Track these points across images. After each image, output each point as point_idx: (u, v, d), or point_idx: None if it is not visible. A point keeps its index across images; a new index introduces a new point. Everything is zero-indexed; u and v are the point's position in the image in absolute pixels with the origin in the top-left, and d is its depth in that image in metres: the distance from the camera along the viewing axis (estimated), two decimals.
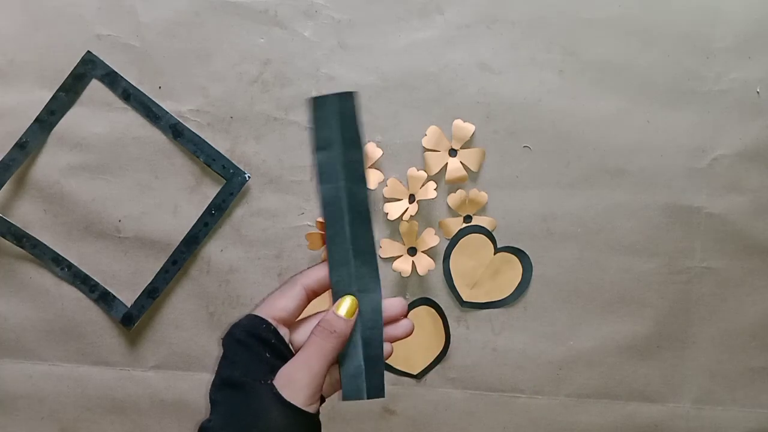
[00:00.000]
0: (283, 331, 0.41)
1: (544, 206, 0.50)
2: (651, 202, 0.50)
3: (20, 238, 0.51)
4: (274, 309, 0.40)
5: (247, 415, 0.37)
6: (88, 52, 0.49)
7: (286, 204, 0.51)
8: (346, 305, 0.40)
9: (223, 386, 0.38)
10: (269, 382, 0.38)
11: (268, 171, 0.50)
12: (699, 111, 0.49)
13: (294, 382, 0.38)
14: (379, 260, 0.40)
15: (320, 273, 0.41)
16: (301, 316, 0.42)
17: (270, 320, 0.40)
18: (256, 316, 0.40)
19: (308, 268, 0.41)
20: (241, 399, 0.38)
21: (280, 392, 0.37)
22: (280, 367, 0.39)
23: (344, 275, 0.41)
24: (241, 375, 0.38)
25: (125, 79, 0.50)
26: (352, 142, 0.38)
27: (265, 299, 0.41)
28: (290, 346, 0.41)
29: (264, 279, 0.51)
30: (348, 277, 0.40)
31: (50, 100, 0.50)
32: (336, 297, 0.41)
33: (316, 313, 0.43)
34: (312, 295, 0.41)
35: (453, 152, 0.50)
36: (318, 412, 0.40)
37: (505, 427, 0.52)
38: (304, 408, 0.38)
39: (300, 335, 0.42)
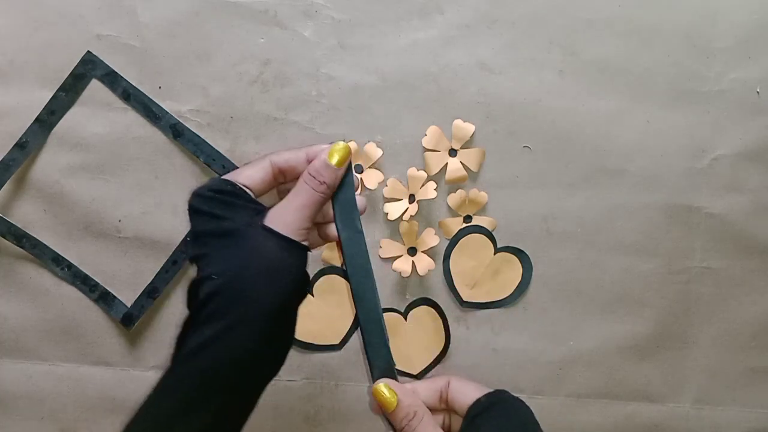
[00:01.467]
0: (251, 195, 0.40)
1: (544, 206, 0.50)
2: (651, 202, 0.50)
3: (20, 238, 0.51)
4: (239, 176, 0.40)
5: (244, 255, 0.37)
6: (88, 52, 0.49)
7: None
8: (338, 153, 0.39)
9: (211, 239, 0.38)
10: (259, 223, 0.38)
11: None
12: (699, 111, 0.49)
13: (286, 219, 0.38)
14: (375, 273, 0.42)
15: (291, 154, 0.41)
16: None
17: (235, 182, 0.39)
18: (221, 178, 0.40)
19: (283, 149, 0.41)
20: (234, 243, 0.37)
21: (274, 228, 0.37)
22: (259, 211, 0.38)
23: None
24: (228, 224, 0.37)
25: (125, 79, 0.50)
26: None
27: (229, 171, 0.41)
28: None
29: None
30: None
31: (50, 100, 0.50)
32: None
33: None
34: (279, 175, 0.41)
35: (453, 152, 0.50)
36: (308, 247, 0.40)
37: None
38: (298, 240, 0.38)
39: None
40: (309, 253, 0.39)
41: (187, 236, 0.42)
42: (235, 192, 0.39)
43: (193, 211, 0.39)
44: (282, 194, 0.43)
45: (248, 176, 0.40)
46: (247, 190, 0.39)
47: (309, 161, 0.40)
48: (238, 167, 0.49)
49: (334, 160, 0.39)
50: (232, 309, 0.36)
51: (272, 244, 0.37)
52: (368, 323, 0.41)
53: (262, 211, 0.39)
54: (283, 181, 0.42)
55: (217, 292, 0.36)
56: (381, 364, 0.41)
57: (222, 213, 0.38)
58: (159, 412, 0.38)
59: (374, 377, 0.41)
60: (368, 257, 0.41)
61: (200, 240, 0.38)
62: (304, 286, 0.40)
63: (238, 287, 0.36)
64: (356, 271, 0.41)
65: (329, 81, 0.50)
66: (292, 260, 0.38)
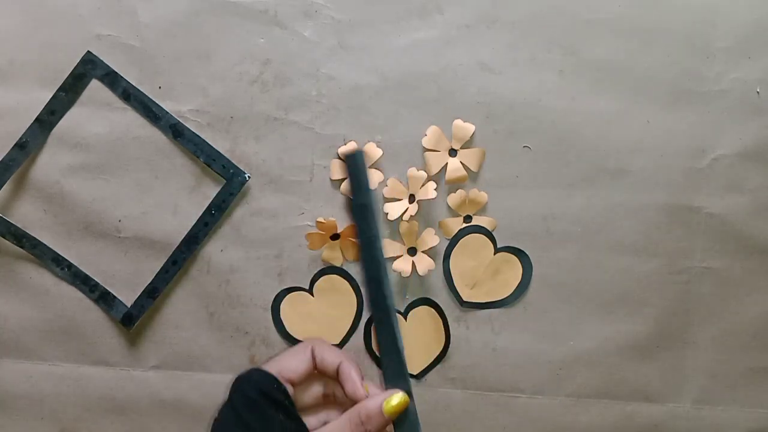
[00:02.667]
0: (291, 391, 0.40)
1: (544, 206, 0.50)
2: (651, 202, 0.50)
3: (20, 238, 0.51)
4: (285, 369, 0.40)
5: None
6: (88, 52, 0.49)
7: (286, 204, 0.51)
8: (395, 401, 0.38)
9: None
10: None
11: (268, 171, 0.50)
12: (699, 111, 0.49)
13: None
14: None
15: (328, 354, 0.41)
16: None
17: (280, 379, 0.39)
18: (267, 374, 0.39)
19: (325, 342, 0.41)
20: None
21: None
22: (291, 431, 0.37)
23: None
24: None
25: (125, 79, 0.50)
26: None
27: (276, 357, 0.41)
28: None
29: (264, 279, 0.51)
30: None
31: (50, 100, 0.50)
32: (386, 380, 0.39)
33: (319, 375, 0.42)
34: (316, 364, 0.41)
35: (453, 152, 0.50)
36: None
37: (505, 427, 0.52)
38: None
39: (306, 395, 0.42)
40: None
41: (216, 417, 0.41)
42: (278, 401, 0.38)
43: (232, 404, 0.38)
44: (327, 401, 0.43)
45: (294, 371, 0.40)
46: (290, 388, 0.39)
47: (336, 377, 0.40)
48: (238, 167, 0.50)
49: (389, 413, 0.38)
50: None
51: None
52: (382, 334, 0.40)
53: (292, 427, 0.38)
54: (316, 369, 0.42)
55: None
56: (392, 370, 0.40)
57: (255, 426, 0.37)
58: None
59: (386, 382, 0.40)
60: (383, 262, 0.41)
61: None
62: None
63: None
64: (371, 275, 0.41)
65: (329, 81, 0.50)
66: None
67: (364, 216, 0.41)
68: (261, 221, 0.51)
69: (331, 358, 0.41)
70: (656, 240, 0.50)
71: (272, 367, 0.40)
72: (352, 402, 0.40)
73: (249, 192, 0.51)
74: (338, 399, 0.44)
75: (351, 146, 0.50)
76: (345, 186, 0.50)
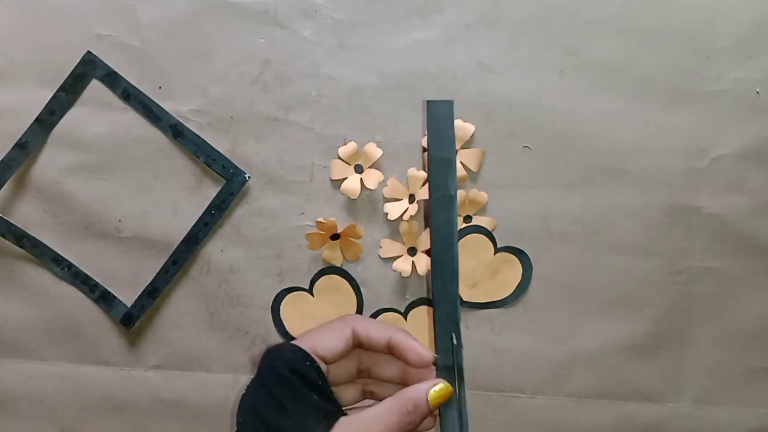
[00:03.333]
0: (324, 369, 0.38)
1: (544, 206, 0.50)
2: (651, 202, 0.50)
3: (20, 238, 0.51)
4: (320, 346, 0.37)
5: None
6: (88, 52, 0.49)
7: (286, 204, 0.51)
8: (439, 388, 0.37)
9: (263, 426, 0.35)
10: None
11: (268, 171, 0.50)
12: (699, 111, 0.49)
13: None
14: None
15: (374, 329, 0.38)
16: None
17: (313, 356, 0.37)
18: (300, 349, 0.37)
19: (365, 318, 0.38)
20: None
21: None
22: (329, 413, 0.35)
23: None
24: (289, 425, 0.34)
25: (125, 79, 0.50)
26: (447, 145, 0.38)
27: (311, 331, 0.39)
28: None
29: (264, 279, 0.51)
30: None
31: (50, 100, 0.50)
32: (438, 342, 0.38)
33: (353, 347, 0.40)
34: (357, 344, 0.39)
35: None
36: None
37: (505, 427, 0.52)
38: None
39: (340, 372, 0.39)
40: None
41: (244, 392, 0.39)
42: (311, 379, 0.36)
43: (262, 380, 0.36)
44: (362, 374, 0.41)
45: (329, 348, 0.38)
46: (323, 365, 0.37)
47: (389, 351, 0.38)
48: (238, 167, 0.50)
49: (433, 402, 0.36)
50: None
51: None
52: (442, 302, 0.38)
53: (332, 413, 0.35)
54: (359, 346, 0.40)
55: None
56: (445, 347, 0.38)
57: (288, 405, 0.35)
58: None
59: (438, 362, 0.39)
60: (455, 225, 0.38)
61: (251, 420, 0.36)
62: None
63: None
64: (439, 239, 0.38)
65: (329, 81, 0.50)
66: None
67: (443, 172, 0.38)
68: (261, 221, 0.51)
69: (378, 333, 0.38)
70: (656, 240, 0.50)
71: (306, 343, 0.37)
72: (410, 377, 0.38)
73: (249, 192, 0.51)
74: (373, 374, 0.42)
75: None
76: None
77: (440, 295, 0.38)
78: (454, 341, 0.38)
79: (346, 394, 0.42)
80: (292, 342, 0.39)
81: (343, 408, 0.39)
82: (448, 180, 0.38)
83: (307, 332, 0.39)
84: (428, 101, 0.38)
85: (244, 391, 0.39)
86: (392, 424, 0.35)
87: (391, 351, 0.39)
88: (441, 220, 0.38)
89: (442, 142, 0.38)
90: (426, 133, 0.37)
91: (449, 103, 0.38)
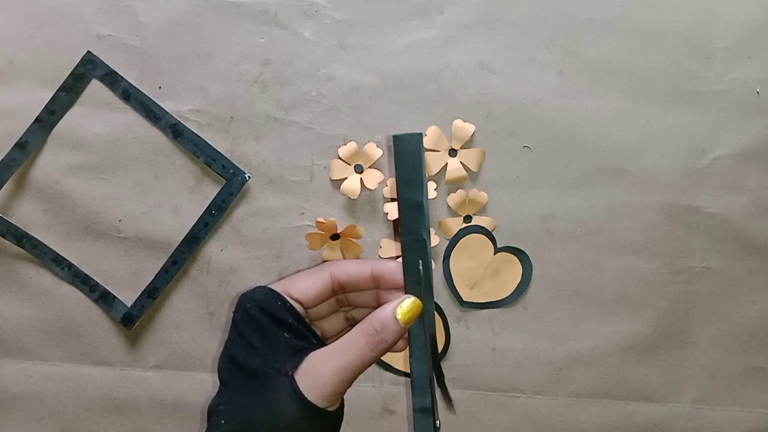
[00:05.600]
0: (301, 312, 0.37)
1: (544, 206, 0.50)
2: (651, 202, 0.50)
3: (20, 238, 0.51)
4: (293, 288, 0.37)
5: (261, 408, 0.33)
6: (88, 52, 0.49)
7: (286, 204, 0.51)
8: (407, 305, 0.35)
9: (237, 369, 0.35)
10: (289, 372, 0.34)
11: (268, 171, 0.50)
12: (699, 111, 0.49)
13: (319, 380, 0.34)
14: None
15: (354, 268, 0.37)
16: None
17: (286, 297, 0.36)
18: (271, 290, 0.36)
19: (344, 260, 0.37)
20: (256, 389, 0.34)
21: (301, 388, 0.33)
22: (300, 349, 0.35)
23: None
24: (259, 363, 0.34)
25: (125, 79, 0.50)
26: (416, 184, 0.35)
27: (285, 276, 0.38)
28: (312, 327, 0.37)
29: (264, 279, 0.51)
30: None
31: (50, 100, 0.50)
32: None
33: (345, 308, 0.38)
34: (338, 288, 0.38)
35: (453, 152, 0.50)
36: (342, 405, 0.36)
37: (505, 427, 0.52)
38: (325, 408, 0.34)
39: (321, 307, 0.38)
40: (342, 413, 0.35)
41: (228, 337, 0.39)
42: (281, 318, 0.35)
43: (234, 324, 0.36)
44: (341, 303, 0.40)
45: (303, 290, 0.37)
46: (297, 306, 0.36)
47: (374, 278, 0.37)
48: (238, 167, 0.50)
49: (403, 317, 0.35)
50: None
51: (294, 408, 0.33)
52: (416, 348, 0.36)
53: (304, 349, 0.35)
54: (341, 292, 0.39)
55: None
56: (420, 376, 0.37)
57: (258, 344, 0.34)
58: None
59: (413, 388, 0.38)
60: (429, 269, 0.36)
61: (227, 365, 0.35)
62: None
63: None
64: (412, 283, 0.36)
65: (329, 81, 0.50)
66: (312, 429, 0.34)
67: (414, 215, 0.35)
68: (261, 221, 0.51)
69: (357, 268, 0.37)
70: (656, 240, 0.50)
71: (279, 286, 0.37)
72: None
73: (249, 192, 0.51)
74: (351, 303, 0.41)
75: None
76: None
77: (415, 342, 0.36)
78: (421, 268, 0.36)
79: (330, 325, 0.41)
80: (265, 285, 0.38)
81: (332, 338, 0.38)
82: (420, 224, 0.35)
83: (281, 278, 0.39)
84: (394, 136, 0.34)
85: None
86: (361, 347, 0.34)
87: (377, 282, 0.38)
88: (413, 265, 0.35)
89: (412, 181, 0.34)
90: (394, 172, 0.34)
91: (418, 137, 0.34)
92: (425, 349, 0.36)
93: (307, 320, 0.37)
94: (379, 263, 0.38)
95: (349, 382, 0.35)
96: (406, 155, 0.34)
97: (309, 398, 0.33)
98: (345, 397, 0.53)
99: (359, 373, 0.35)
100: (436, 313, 0.52)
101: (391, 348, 0.36)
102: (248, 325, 0.35)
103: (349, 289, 0.38)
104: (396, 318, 0.35)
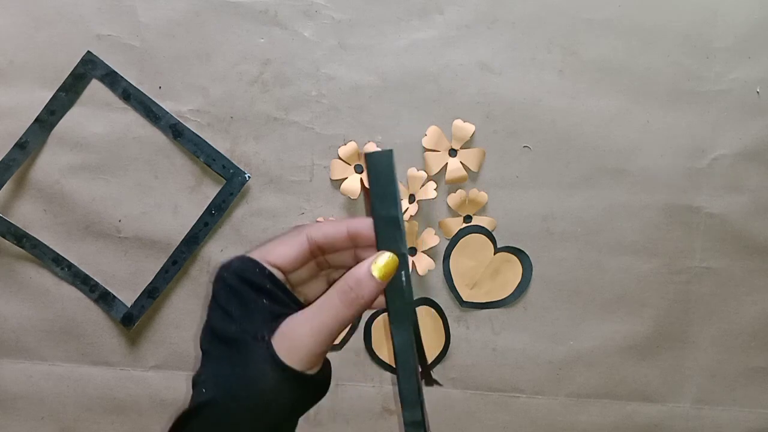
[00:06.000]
0: (281, 278, 0.36)
1: (544, 206, 0.50)
2: (651, 202, 0.50)
3: (20, 238, 0.51)
4: (271, 253, 0.36)
5: (239, 376, 0.33)
6: (88, 52, 0.49)
7: (286, 204, 0.51)
8: (382, 261, 0.34)
9: (216, 338, 0.35)
10: (266, 338, 0.34)
11: (268, 171, 0.50)
12: (699, 111, 0.49)
13: (296, 342, 0.33)
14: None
15: (330, 228, 0.36)
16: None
17: (264, 264, 0.36)
18: (250, 259, 0.36)
19: (320, 222, 0.37)
20: (233, 356, 0.34)
21: (278, 352, 0.33)
22: (279, 315, 0.34)
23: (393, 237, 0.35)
24: (235, 330, 0.34)
25: (125, 79, 0.50)
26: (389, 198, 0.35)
27: (264, 242, 0.37)
28: (293, 293, 0.37)
29: None
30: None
31: (50, 100, 0.50)
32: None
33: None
34: (316, 250, 0.37)
35: (453, 152, 0.50)
36: (326, 366, 0.36)
37: (505, 427, 0.52)
38: (304, 371, 0.34)
39: (301, 272, 0.37)
40: (321, 377, 0.35)
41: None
42: (259, 284, 0.35)
43: (213, 294, 0.35)
44: (321, 266, 0.39)
45: (280, 254, 0.36)
46: (277, 273, 0.36)
47: (351, 236, 0.36)
48: (238, 167, 0.50)
49: (378, 273, 0.34)
50: None
51: (270, 373, 0.33)
52: (402, 355, 0.36)
53: (282, 315, 0.35)
54: (320, 254, 0.38)
55: (203, 405, 0.34)
56: (409, 394, 0.36)
57: (235, 312, 0.34)
58: None
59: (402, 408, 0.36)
60: (409, 282, 0.36)
61: (208, 335, 0.35)
62: (302, 411, 0.36)
63: (223, 410, 0.33)
64: (393, 298, 0.36)
65: (329, 81, 0.50)
66: (291, 394, 0.34)
67: (390, 231, 0.35)
68: (261, 221, 0.51)
69: (333, 229, 0.36)
70: (656, 240, 0.50)
71: (257, 254, 0.36)
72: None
73: (249, 192, 0.51)
74: (331, 264, 0.40)
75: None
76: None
77: (400, 352, 0.36)
78: (404, 280, 0.35)
79: (312, 289, 0.40)
80: (242, 254, 0.37)
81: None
82: (397, 239, 0.35)
83: (258, 245, 0.39)
84: (366, 154, 0.35)
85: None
86: (336, 307, 0.34)
87: (354, 241, 0.37)
88: (396, 277, 0.35)
89: (385, 197, 0.34)
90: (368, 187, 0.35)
91: (389, 154, 0.34)
92: (413, 364, 0.36)
93: (287, 286, 0.37)
94: (354, 221, 0.37)
95: (326, 343, 0.34)
96: (379, 172, 0.35)
97: (286, 362, 0.33)
98: (345, 397, 0.53)
99: (337, 332, 0.34)
100: (435, 312, 0.52)
101: (368, 305, 0.35)
102: (226, 294, 0.35)
103: (328, 250, 0.38)
104: (371, 274, 0.34)
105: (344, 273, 0.36)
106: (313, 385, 0.35)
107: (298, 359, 0.33)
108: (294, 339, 0.34)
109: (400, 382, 0.36)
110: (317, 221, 0.38)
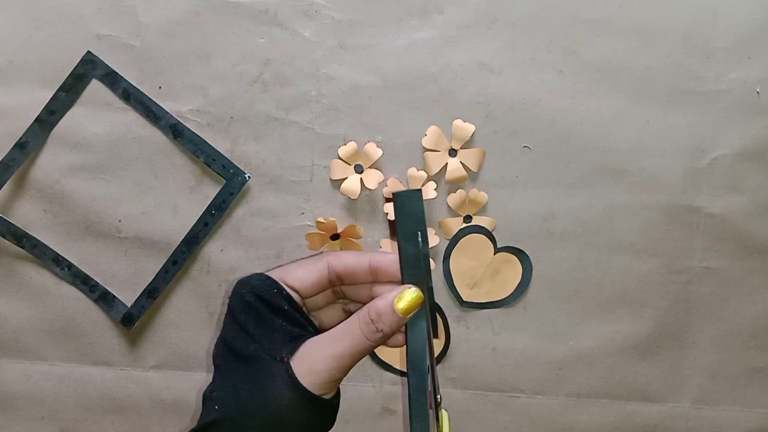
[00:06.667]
0: (298, 301, 0.36)
1: (544, 206, 0.50)
2: (651, 202, 0.50)
3: (20, 238, 0.51)
4: (289, 276, 0.36)
5: (256, 394, 0.33)
6: (88, 52, 0.49)
7: (286, 204, 0.51)
8: (407, 299, 0.34)
9: (232, 355, 0.34)
10: (284, 359, 0.33)
11: (268, 171, 0.50)
12: (699, 111, 0.49)
13: (314, 366, 0.33)
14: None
15: (352, 259, 0.36)
16: None
17: (282, 284, 0.36)
18: (268, 277, 0.36)
19: (343, 251, 0.37)
20: (250, 375, 0.34)
21: (296, 374, 0.33)
22: (296, 336, 0.34)
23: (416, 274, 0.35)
24: (254, 349, 0.34)
25: (125, 79, 0.50)
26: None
27: (284, 264, 0.37)
28: (309, 316, 0.37)
29: None
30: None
31: (50, 100, 0.50)
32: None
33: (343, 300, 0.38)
34: (335, 279, 0.37)
35: (453, 152, 0.50)
36: (338, 394, 0.36)
37: (505, 427, 0.52)
38: (320, 395, 0.34)
39: (317, 298, 0.37)
40: (337, 402, 0.35)
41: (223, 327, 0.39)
42: (277, 305, 0.35)
43: (230, 310, 0.36)
44: (337, 295, 0.40)
45: (299, 278, 0.36)
46: (294, 294, 0.36)
47: (372, 274, 0.36)
48: (238, 167, 0.50)
49: (402, 307, 0.34)
50: None
51: (288, 395, 0.33)
52: (414, 376, 0.35)
53: (300, 336, 0.35)
54: (339, 284, 0.38)
55: (217, 422, 0.33)
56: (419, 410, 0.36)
57: (254, 331, 0.34)
58: None
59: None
60: (430, 330, 0.35)
61: (222, 350, 0.35)
62: None
63: (238, 428, 0.33)
64: (415, 336, 0.35)
65: (329, 81, 0.50)
66: (306, 417, 0.34)
67: (415, 268, 0.35)
68: (261, 221, 0.51)
69: (354, 260, 0.36)
70: (656, 240, 0.50)
71: (276, 273, 0.37)
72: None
73: (249, 192, 0.51)
74: (347, 296, 0.40)
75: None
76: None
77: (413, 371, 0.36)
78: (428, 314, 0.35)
79: (327, 316, 0.40)
80: (261, 272, 0.37)
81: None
82: (422, 275, 0.35)
83: (279, 265, 0.39)
84: (394, 193, 0.35)
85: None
86: (357, 335, 0.34)
87: (375, 275, 0.37)
88: (416, 317, 0.35)
89: (413, 236, 0.35)
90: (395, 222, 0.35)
91: (417, 195, 0.34)
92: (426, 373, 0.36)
93: (303, 309, 0.37)
94: (377, 255, 0.37)
95: (345, 370, 0.34)
96: (408, 212, 0.35)
97: (304, 384, 0.33)
98: (345, 397, 0.53)
99: (356, 360, 0.35)
100: (436, 312, 0.52)
101: (387, 338, 0.35)
102: (244, 311, 0.35)
103: (347, 280, 0.38)
104: (394, 308, 0.34)
105: (363, 305, 0.36)
106: (328, 409, 0.35)
107: (317, 383, 0.33)
108: (313, 363, 0.33)
109: (412, 422, 0.36)
110: (338, 252, 0.38)
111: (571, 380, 0.52)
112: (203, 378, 0.52)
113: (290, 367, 0.33)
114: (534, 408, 0.52)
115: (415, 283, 0.35)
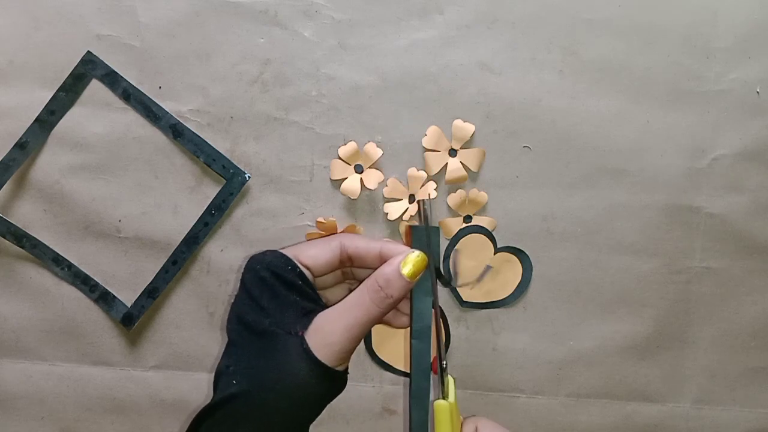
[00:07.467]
0: (310, 278, 0.37)
1: (544, 206, 0.50)
2: (651, 202, 0.50)
3: (20, 238, 0.51)
4: (303, 254, 0.37)
5: (272, 368, 0.34)
6: (88, 52, 0.49)
7: (286, 204, 0.51)
8: (412, 262, 0.36)
9: (246, 330, 0.35)
10: (299, 333, 0.34)
11: (268, 171, 0.50)
12: (699, 111, 0.49)
13: (327, 338, 0.34)
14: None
15: (364, 243, 0.37)
16: None
17: (296, 262, 0.36)
18: (281, 254, 0.37)
19: (356, 235, 0.38)
20: (266, 349, 0.34)
21: (311, 347, 0.34)
22: (309, 311, 0.35)
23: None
24: (269, 324, 0.34)
25: (125, 79, 0.50)
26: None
27: (297, 243, 0.38)
28: (318, 294, 0.37)
29: None
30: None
31: (50, 100, 0.50)
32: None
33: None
34: (346, 260, 0.38)
35: (453, 152, 0.50)
36: (347, 369, 0.37)
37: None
38: (334, 367, 0.35)
39: (327, 277, 0.38)
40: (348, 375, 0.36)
41: (233, 300, 0.39)
42: (291, 281, 0.36)
43: (243, 285, 0.36)
44: (346, 276, 0.40)
45: (313, 256, 0.37)
46: (307, 272, 0.37)
47: (382, 260, 0.37)
48: (238, 167, 0.50)
49: (407, 271, 0.35)
50: (243, 423, 0.34)
51: (304, 368, 0.34)
52: (417, 382, 0.37)
53: (312, 311, 0.35)
54: (349, 265, 0.39)
55: (235, 396, 0.34)
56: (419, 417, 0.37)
57: (268, 306, 0.35)
58: None
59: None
60: (429, 368, 0.37)
61: (237, 326, 0.36)
62: (325, 405, 0.37)
63: (256, 402, 0.34)
64: (419, 331, 0.37)
65: (329, 81, 0.50)
66: (321, 388, 0.35)
67: (424, 299, 0.36)
68: (261, 221, 0.51)
69: (366, 244, 0.37)
70: (656, 240, 0.50)
71: (289, 251, 0.38)
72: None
73: (249, 192, 0.51)
74: (356, 277, 0.41)
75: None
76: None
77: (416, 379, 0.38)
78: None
79: (333, 295, 0.41)
80: (275, 249, 0.38)
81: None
82: (427, 310, 0.36)
83: (292, 244, 0.39)
84: (411, 227, 0.37)
85: (232, 300, 0.39)
86: (366, 305, 0.35)
87: (383, 262, 0.38)
88: (418, 353, 0.37)
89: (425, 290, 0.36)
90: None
91: (435, 231, 0.36)
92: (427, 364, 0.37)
93: (315, 286, 0.38)
94: (388, 244, 0.38)
95: (356, 340, 0.35)
96: (423, 244, 0.36)
97: (319, 357, 0.34)
98: (345, 397, 0.53)
99: (367, 329, 0.35)
100: None
101: (396, 303, 0.36)
102: (258, 286, 0.36)
103: (357, 263, 0.39)
104: (400, 273, 0.35)
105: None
106: (339, 381, 0.36)
107: (331, 354, 0.34)
108: (327, 335, 0.34)
109: (412, 410, 0.37)
110: (351, 235, 0.39)
111: (571, 380, 0.52)
112: (203, 378, 0.52)
113: (305, 341, 0.34)
114: (534, 408, 0.52)
115: (424, 324, 0.37)
